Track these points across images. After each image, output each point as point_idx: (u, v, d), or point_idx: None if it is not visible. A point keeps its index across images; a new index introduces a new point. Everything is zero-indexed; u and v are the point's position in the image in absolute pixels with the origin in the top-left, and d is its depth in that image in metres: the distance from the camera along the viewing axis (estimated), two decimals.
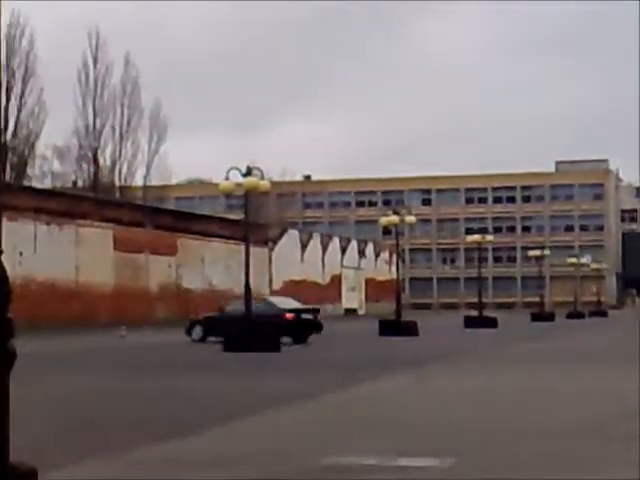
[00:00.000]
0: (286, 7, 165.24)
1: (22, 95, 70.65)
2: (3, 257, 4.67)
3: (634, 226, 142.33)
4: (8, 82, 68.11)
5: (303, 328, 33.04)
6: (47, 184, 78.86)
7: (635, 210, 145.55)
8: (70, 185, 79.99)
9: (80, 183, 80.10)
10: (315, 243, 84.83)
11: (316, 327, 34.11)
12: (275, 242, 76.92)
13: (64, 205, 54.16)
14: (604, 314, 78.79)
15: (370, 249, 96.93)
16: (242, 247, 29.72)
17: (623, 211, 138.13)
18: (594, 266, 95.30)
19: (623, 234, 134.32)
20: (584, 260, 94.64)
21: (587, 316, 73.26)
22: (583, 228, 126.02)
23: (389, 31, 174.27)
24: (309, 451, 9.01)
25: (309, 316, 34.30)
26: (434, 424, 11.06)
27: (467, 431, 10.39)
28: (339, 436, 10.15)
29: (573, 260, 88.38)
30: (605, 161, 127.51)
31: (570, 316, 70.37)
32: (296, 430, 10.77)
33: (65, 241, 53.36)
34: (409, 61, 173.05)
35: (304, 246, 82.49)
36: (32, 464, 5.05)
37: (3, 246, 4.66)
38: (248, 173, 29.11)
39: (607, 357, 23.67)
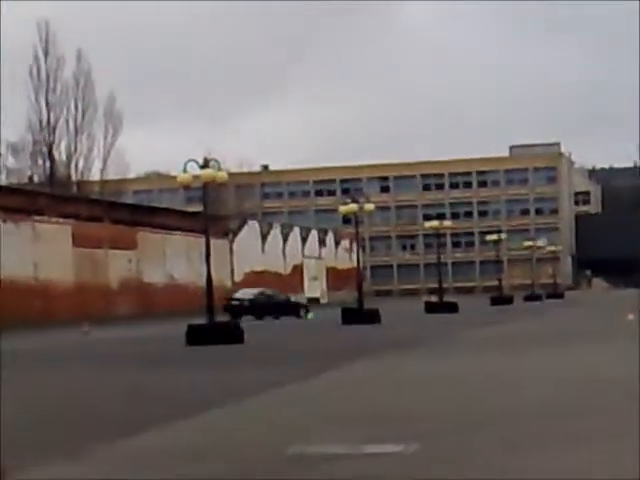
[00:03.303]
0: None
1: None
2: None
3: (587, 208, 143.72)
4: None
5: None
6: (2, 180, 78.27)
7: (588, 192, 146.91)
8: (26, 181, 79.39)
9: (36, 179, 79.58)
10: (275, 234, 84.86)
11: None
12: (235, 234, 76.86)
13: (20, 201, 53.80)
14: (561, 296, 79.63)
15: (330, 238, 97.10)
16: (202, 240, 29.76)
17: (576, 193, 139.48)
18: (550, 248, 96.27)
19: (576, 216, 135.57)
20: (540, 243, 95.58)
21: (544, 298, 73.98)
22: (538, 211, 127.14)
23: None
24: (274, 442, 9.11)
25: None
26: (398, 411, 11.21)
27: (430, 416, 10.55)
28: (303, 426, 10.27)
29: (529, 243, 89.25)
30: (557, 144, 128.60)
31: (528, 299, 71.03)
32: (260, 421, 10.88)
33: (22, 238, 53.02)
34: (367, 46, 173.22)
35: (264, 237, 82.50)
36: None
37: None
38: (205, 165, 29.09)
39: (564, 338, 23.99)
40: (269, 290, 55.55)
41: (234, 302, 51.74)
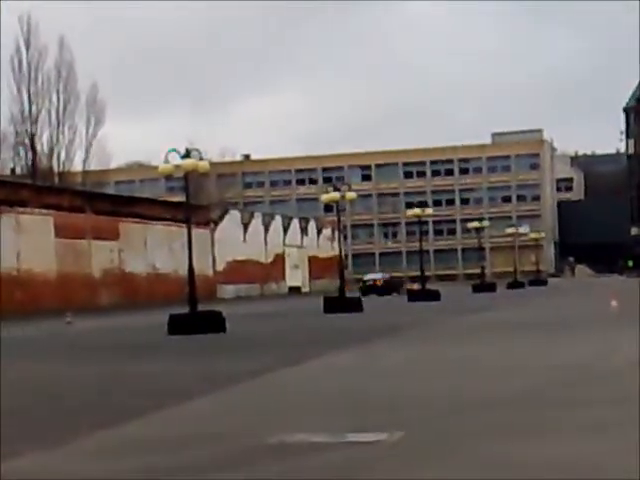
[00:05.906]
0: None
1: None
2: None
3: (569, 195, 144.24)
4: None
5: None
6: None
7: (570, 179, 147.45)
8: (8, 172, 79.19)
9: (18, 170, 79.35)
10: (257, 223, 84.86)
11: None
12: (217, 223, 76.84)
13: (2, 193, 53.65)
14: (544, 283, 79.91)
15: (312, 227, 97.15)
16: (184, 229, 29.79)
17: (558, 180, 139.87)
18: (532, 235, 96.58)
19: (559, 203, 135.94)
20: (522, 230, 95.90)
21: (527, 285, 74.18)
22: (520, 198, 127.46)
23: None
24: (255, 431, 9.13)
25: None
26: (382, 398, 11.26)
27: (415, 404, 10.59)
28: (285, 415, 10.30)
29: (511, 230, 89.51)
30: (539, 131, 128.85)
31: (510, 286, 71.16)
32: (241, 410, 10.92)
33: (5, 229, 52.87)
34: (350, 36, 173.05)
35: (246, 226, 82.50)
36: None
37: None
38: (187, 155, 29.07)
39: (547, 326, 24.12)
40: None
41: (368, 283, 65.12)
